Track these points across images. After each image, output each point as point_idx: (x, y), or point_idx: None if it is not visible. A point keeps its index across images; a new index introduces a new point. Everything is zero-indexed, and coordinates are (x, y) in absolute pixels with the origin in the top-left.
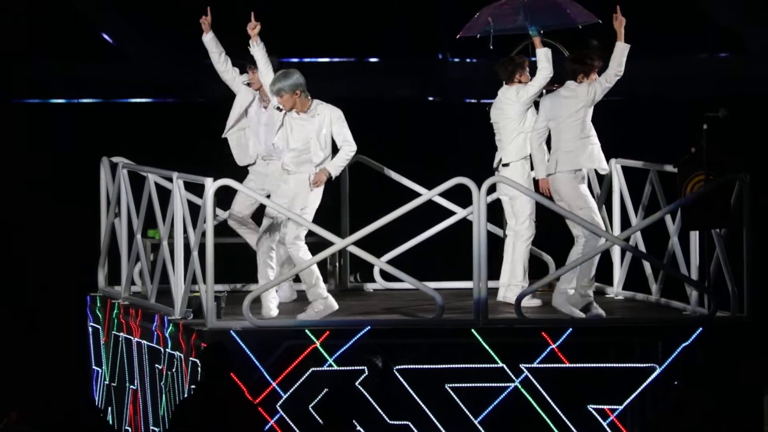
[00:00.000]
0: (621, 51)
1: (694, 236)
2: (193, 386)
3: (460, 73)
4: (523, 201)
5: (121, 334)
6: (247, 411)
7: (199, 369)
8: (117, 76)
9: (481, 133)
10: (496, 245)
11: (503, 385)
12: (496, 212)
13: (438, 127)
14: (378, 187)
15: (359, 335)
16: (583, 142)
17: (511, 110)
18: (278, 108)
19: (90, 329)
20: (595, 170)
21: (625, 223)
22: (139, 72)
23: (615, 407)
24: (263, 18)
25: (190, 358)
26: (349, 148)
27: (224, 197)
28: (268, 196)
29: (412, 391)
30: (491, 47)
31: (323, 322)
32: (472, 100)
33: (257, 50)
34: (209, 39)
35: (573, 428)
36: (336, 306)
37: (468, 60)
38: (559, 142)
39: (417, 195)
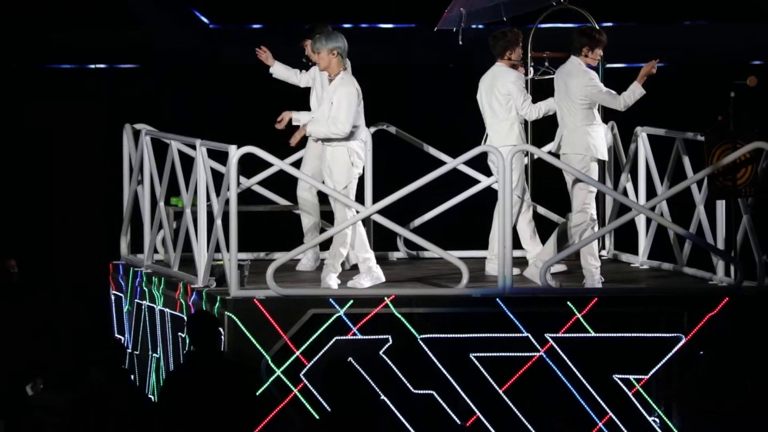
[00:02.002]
0: (633, 93)
1: (721, 205)
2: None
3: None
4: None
5: (144, 302)
6: (236, 378)
7: (186, 337)
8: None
9: None
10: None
11: (528, 354)
12: None
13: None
14: (401, 155)
15: (383, 304)
16: (584, 130)
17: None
18: (309, 62)
19: (113, 297)
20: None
21: (651, 192)
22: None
23: (640, 377)
24: None
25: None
26: (331, 127)
27: (248, 165)
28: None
29: (436, 360)
30: (461, 42)
31: (347, 290)
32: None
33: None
34: (279, 69)
35: (598, 398)
36: (383, 277)
37: (481, 27)
38: (563, 120)
39: (441, 163)
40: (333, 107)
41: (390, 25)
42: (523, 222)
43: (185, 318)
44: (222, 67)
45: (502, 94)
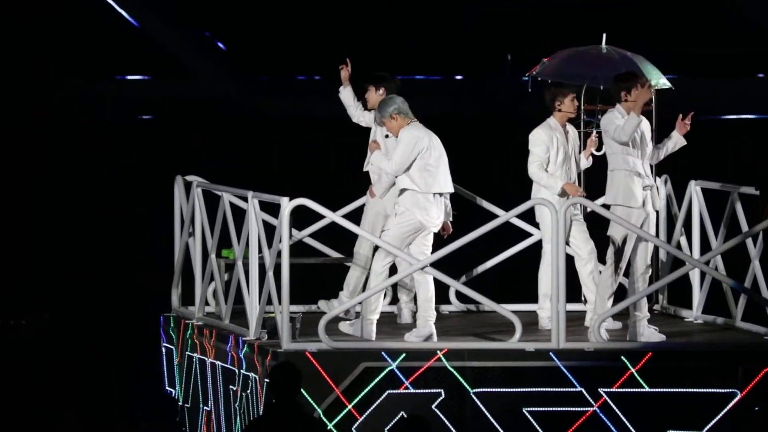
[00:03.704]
0: (629, 122)
1: None
2: (263, 407)
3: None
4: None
5: (195, 354)
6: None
7: (266, 389)
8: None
9: None
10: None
11: (582, 409)
12: None
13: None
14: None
15: (436, 358)
16: (611, 175)
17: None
18: (386, 135)
19: (164, 350)
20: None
21: (705, 246)
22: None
23: None
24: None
25: (265, 380)
26: (384, 162)
27: (300, 217)
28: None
29: (489, 415)
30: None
31: (400, 344)
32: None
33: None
34: (347, 94)
35: None
36: (373, 336)
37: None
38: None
39: (492, 215)
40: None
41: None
42: (584, 272)
43: (268, 370)
44: (269, 119)
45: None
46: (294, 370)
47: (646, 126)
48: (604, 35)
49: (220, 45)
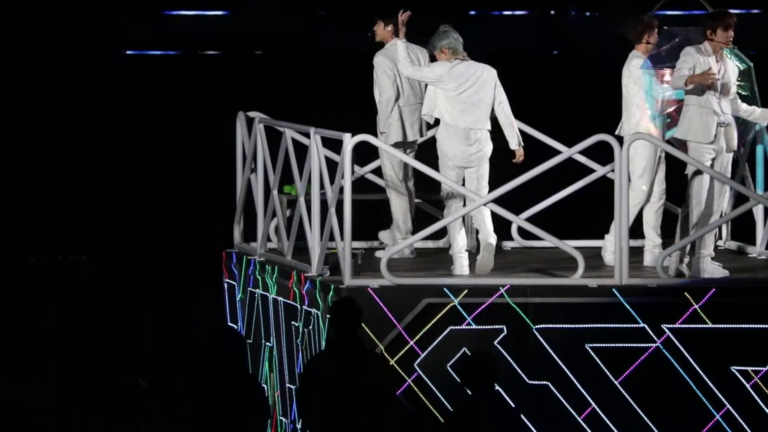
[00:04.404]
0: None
1: None
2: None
3: (583, 24)
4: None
5: (257, 290)
6: (379, 367)
7: (327, 325)
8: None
9: (609, 88)
10: None
11: (644, 345)
12: None
13: (563, 81)
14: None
15: (498, 294)
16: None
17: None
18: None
19: (226, 285)
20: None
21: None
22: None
23: (759, 369)
24: None
25: (327, 315)
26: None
27: (361, 153)
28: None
29: (551, 351)
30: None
31: (462, 280)
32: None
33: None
34: (402, 46)
35: (716, 390)
36: (465, 270)
37: (588, 14)
38: None
39: (555, 151)
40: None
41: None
42: (650, 211)
43: (330, 305)
44: (330, 54)
45: (634, 81)
46: (354, 306)
47: (731, 67)
48: None
49: None
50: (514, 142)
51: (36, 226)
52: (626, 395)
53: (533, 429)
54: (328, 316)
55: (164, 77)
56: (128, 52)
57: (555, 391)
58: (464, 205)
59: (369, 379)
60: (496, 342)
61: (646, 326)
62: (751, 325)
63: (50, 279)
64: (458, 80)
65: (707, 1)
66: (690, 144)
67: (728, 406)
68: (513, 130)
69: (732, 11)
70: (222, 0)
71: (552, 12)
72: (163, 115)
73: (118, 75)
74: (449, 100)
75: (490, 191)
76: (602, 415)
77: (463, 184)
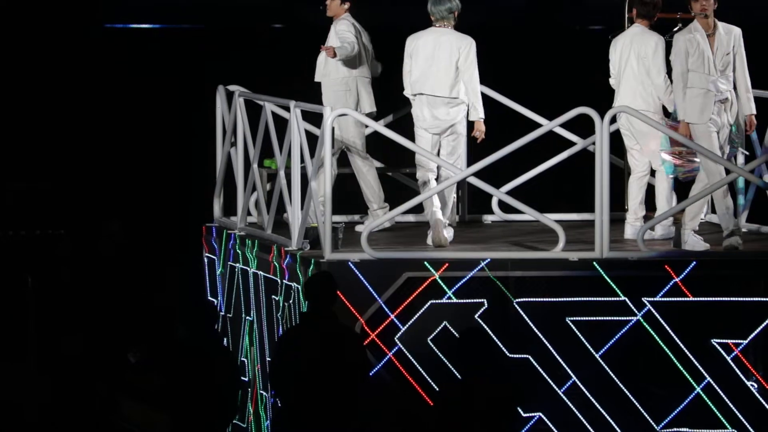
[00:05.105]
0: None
1: None
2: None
3: None
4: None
5: (237, 264)
6: (353, 341)
7: (302, 299)
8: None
9: (596, 61)
10: (618, 176)
11: (625, 318)
12: (614, 142)
13: (552, 54)
14: (496, 117)
15: (479, 267)
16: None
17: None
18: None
19: (205, 260)
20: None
21: (752, 155)
22: None
23: (739, 342)
24: None
25: (302, 289)
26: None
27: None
28: None
29: (532, 325)
30: None
31: (442, 253)
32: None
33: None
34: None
35: (696, 362)
36: (440, 240)
37: None
38: None
39: (536, 125)
40: None
41: None
42: (634, 184)
43: (302, 279)
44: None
45: (645, 56)
46: (328, 279)
47: (723, 40)
48: None
49: None
50: (473, 114)
51: (13, 200)
52: (607, 368)
53: None
54: (301, 289)
55: (143, 51)
56: (107, 26)
57: (536, 364)
58: (437, 174)
59: (343, 354)
60: (476, 315)
61: (626, 299)
62: (731, 298)
63: (27, 253)
64: (423, 48)
65: None
66: (691, 125)
67: (709, 378)
68: (475, 101)
69: None
70: None
71: None
72: (142, 89)
73: (96, 49)
74: (415, 66)
75: (470, 164)
76: (583, 388)
77: (438, 153)
